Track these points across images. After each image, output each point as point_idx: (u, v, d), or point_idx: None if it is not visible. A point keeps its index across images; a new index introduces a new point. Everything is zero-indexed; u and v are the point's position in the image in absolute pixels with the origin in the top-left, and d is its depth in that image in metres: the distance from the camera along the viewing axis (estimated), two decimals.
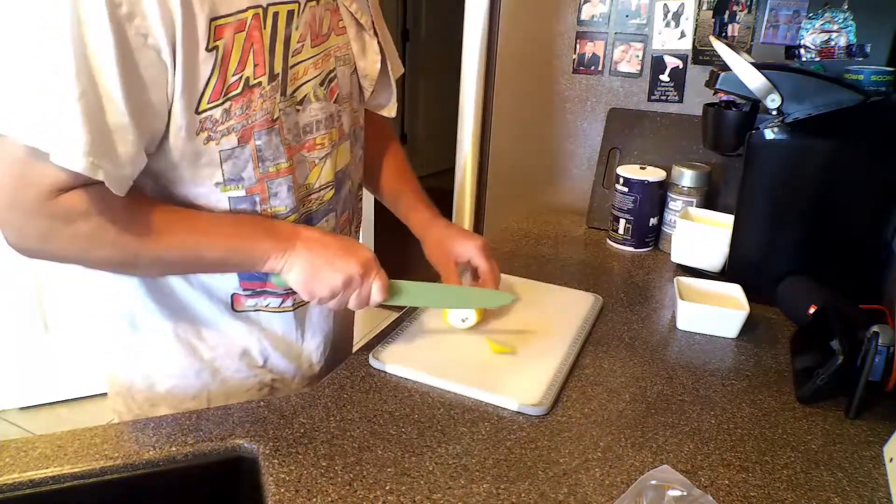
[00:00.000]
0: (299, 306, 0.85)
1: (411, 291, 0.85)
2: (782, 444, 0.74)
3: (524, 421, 0.76)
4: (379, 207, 1.07)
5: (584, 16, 1.45)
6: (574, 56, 1.48)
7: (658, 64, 1.40)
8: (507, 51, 1.56)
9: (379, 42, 0.85)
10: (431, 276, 1.00)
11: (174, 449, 0.68)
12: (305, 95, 0.75)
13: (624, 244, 1.30)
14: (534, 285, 1.09)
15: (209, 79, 0.65)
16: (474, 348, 0.89)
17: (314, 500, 0.62)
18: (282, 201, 0.76)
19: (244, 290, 0.80)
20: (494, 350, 0.88)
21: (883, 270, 1.05)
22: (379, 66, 0.85)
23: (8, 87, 0.59)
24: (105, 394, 0.91)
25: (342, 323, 0.97)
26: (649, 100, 1.43)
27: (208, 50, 0.63)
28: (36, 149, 0.59)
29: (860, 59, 1.24)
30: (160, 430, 0.71)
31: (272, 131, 0.72)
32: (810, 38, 1.27)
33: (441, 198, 1.39)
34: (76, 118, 0.58)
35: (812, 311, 0.94)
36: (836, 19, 1.24)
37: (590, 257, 1.28)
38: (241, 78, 0.67)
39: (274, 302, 0.83)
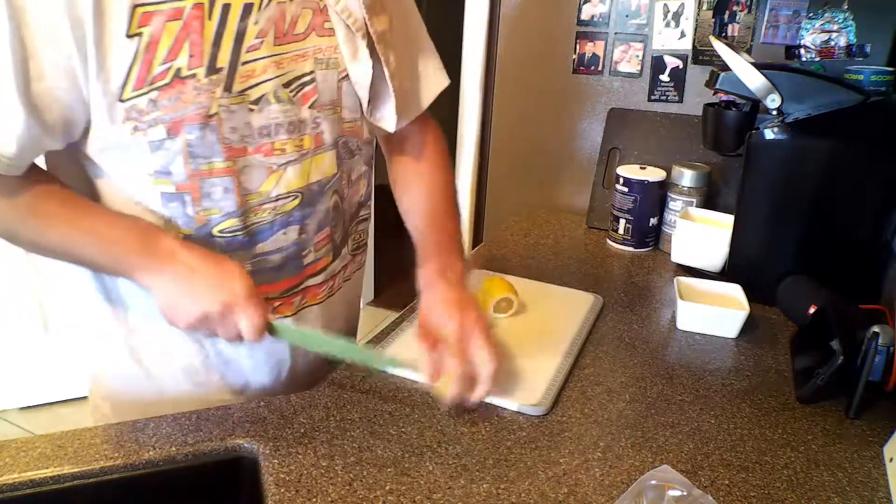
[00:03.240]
0: (300, 309, 0.83)
1: (292, 335, 0.78)
2: (782, 444, 0.74)
3: (524, 421, 0.76)
4: (378, 208, 1.06)
5: (584, 16, 1.45)
6: (574, 56, 1.48)
7: (658, 64, 1.40)
8: (507, 51, 1.56)
9: (374, 46, 0.77)
10: None
11: (174, 449, 0.68)
12: (263, 95, 0.71)
13: (624, 244, 1.30)
14: (534, 285, 1.09)
15: (131, 66, 0.63)
16: None
17: (314, 500, 0.62)
18: (215, 203, 0.72)
19: None
20: None
21: (883, 270, 1.05)
22: (371, 72, 0.77)
23: None
24: None
25: (347, 317, 0.95)
26: (649, 100, 1.43)
27: (129, 36, 0.62)
28: None
29: (860, 59, 1.24)
30: (160, 430, 0.71)
31: (206, 127, 0.68)
32: (810, 38, 1.27)
33: None
34: None
35: (812, 311, 0.94)
36: (836, 19, 1.24)
37: (590, 257, 1.28)
38: (169, 68, 0.64)
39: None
